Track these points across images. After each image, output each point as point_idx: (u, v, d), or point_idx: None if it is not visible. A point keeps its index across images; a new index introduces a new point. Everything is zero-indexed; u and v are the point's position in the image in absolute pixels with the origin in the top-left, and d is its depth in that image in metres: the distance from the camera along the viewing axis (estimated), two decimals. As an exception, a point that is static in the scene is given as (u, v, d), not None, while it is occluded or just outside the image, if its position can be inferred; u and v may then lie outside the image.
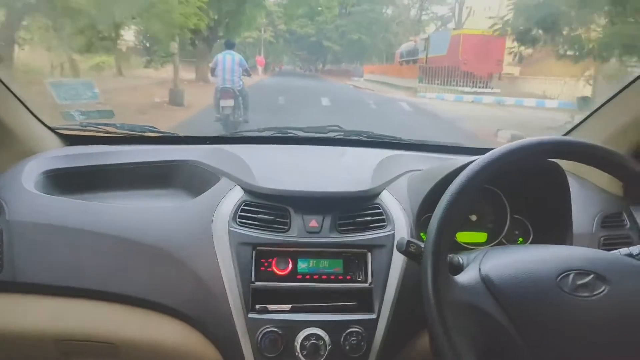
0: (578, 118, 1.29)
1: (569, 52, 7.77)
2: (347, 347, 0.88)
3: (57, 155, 1.17)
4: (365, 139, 1.42)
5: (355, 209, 0.98)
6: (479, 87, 13.92)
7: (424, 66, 15.84)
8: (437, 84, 15.03)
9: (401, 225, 0.97)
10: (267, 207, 0.97)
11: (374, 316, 0.90)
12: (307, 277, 0.93)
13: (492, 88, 13.93)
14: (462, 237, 1.05)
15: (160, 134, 1.40)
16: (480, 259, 0.72)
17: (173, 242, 0.94)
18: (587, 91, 8.70)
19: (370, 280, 0.93)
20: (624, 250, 0.77)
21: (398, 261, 0.93)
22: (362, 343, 0.88)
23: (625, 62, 6.50)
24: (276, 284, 0.92)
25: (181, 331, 0.94)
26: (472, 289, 0.68)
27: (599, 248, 1.03)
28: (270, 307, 0.89)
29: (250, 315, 0.89)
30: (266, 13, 19.38)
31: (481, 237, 1.06)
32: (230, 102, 5.62)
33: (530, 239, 1.05)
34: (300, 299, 0.91)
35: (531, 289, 0.66)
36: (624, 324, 0.65)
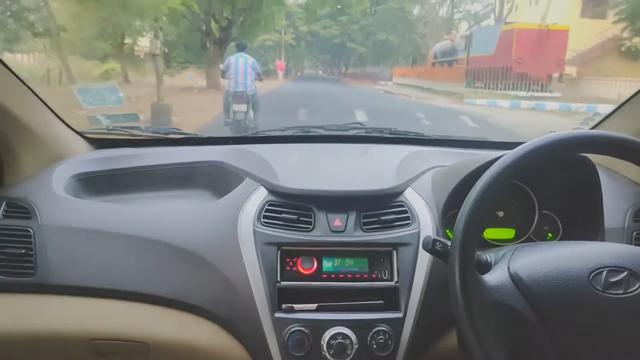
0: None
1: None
2: (374, 346, 0.88)
3: (85, 159, 1.22)
4: (387, 135, 1.43)
5: (380, 207, 1.00)
6: (535, 91, 12.07)
7: (471, 68, 14.04)
8: (480, 87, 13.29)
9: (426, 223, 0.98)
10: (291, 206, 0.99)
11: (400, 315, 0.91)
12: (332, 276, 0.94)
13: (551, 92, 12.05)
14: (489, 233, 1.05)
15: (183, 135, 1.43)
16: (509, 257, 0.73)
17: (200, 243, 0.97)
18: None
19: (396, 278, 0.94)
20: None
21: (424, 259, 0.94)
22: (390, 342, 0.89)
23: None
24: (302, 283, 0.93)
25: (210, 331, 0.97)
26: (501, 287, 0.69)
27: (631, 243, 1.02)
28: (297, 306, 0.90)
29: (277, 314, 0.90)
30: (286, 14, 18.31)
31: (509, 233, 1.06)
32: (243, 107, 5.47)
33: (560, 234, 1.05)
34: (325, 298, 0.92)
35: (562, 287, 0.66)
36: None
